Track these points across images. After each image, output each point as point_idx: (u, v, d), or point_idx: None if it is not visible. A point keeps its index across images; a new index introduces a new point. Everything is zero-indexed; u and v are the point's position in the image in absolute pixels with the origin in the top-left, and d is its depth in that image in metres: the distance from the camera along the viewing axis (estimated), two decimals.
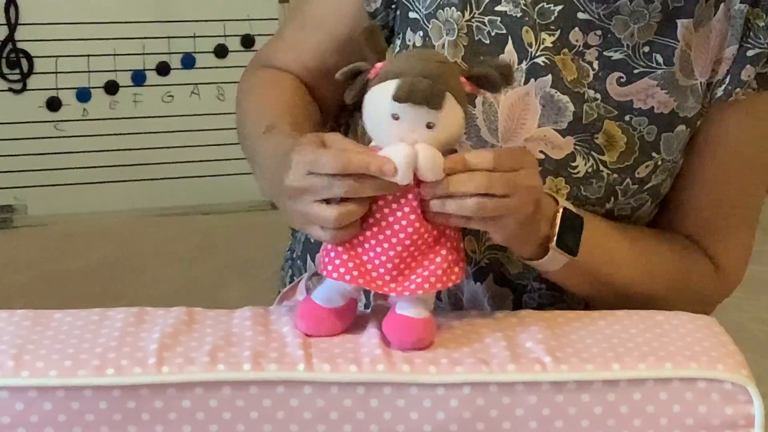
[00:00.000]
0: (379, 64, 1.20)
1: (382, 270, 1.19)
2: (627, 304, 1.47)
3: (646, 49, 1.36)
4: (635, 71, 1.37)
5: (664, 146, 1.39)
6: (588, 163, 1.37)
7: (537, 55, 1.35)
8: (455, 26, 1.36)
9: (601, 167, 1.37)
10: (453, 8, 1.37)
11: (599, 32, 1.36)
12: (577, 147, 1.37)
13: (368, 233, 1.19)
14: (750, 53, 1.37)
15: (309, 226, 1.19)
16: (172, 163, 3.56)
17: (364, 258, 1.19)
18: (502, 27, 1.36)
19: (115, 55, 3.48)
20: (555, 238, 1.29)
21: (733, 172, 1.42)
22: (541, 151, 1.35)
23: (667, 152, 1.39)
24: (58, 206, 3.49)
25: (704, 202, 1.43)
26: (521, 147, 1.20)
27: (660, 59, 1.37)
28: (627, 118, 1.37)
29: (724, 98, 1.38)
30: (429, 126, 1.16)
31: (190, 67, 3.53)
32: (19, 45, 3.40)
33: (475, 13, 1.37)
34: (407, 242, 1.18)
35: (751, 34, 1.37)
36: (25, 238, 3.42)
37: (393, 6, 1.42)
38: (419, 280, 1.19)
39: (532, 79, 1.36)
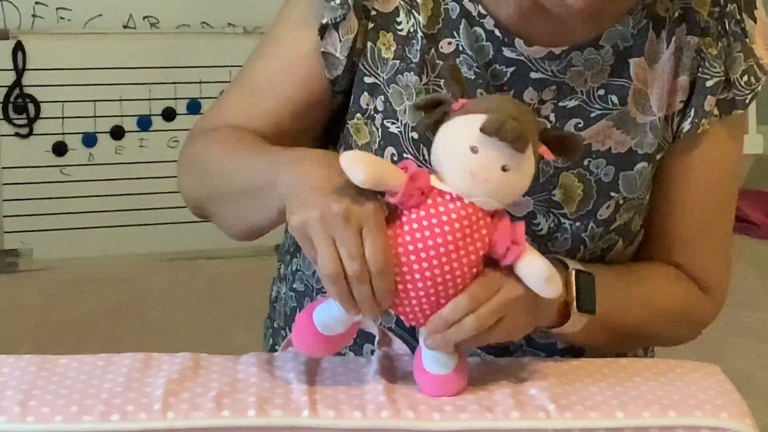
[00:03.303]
0: (463, 100, 1.19)
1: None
2: (634, 345, 1.47)
3: (601, 92, 1.37)
4: (592, 115, 1.37)
5: (624, 185, 1.39)
6: (549, 219, 1.38)
7: None
8: (413, 90, 1.36)
9: (563, 220, 1.38)
10: (411, 73, 1.37)
11: (553, 87, 1.36)
12: (536, 206, 1.37)
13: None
14: (709, 83, 1.38)
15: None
16: (178, 207, 3.54)
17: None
18: None
19: (121, 100, 3.49)
20: (574, 303, 1.30)
21: (709, 196, 1.43)
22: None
23: (627, 191, 1.39)
24: (64, 251, 3.49)
25: (686, 229, 1.44)
26: (488, 271, 1.19)
27: (615, 99, 1.37)
28: (585, 162, 1.37)
29: (693, 131, 1.39)
30: (504, 168, 1.15)
31: (196, 113, 3.54)
32: (26, 90, 3.42)
33: (431, 77, 1.37)
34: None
35: (706, 64, 1.38)
36: (31, 282, 3.42)
37: (353, 71, 1.40)
38: None
39: None
